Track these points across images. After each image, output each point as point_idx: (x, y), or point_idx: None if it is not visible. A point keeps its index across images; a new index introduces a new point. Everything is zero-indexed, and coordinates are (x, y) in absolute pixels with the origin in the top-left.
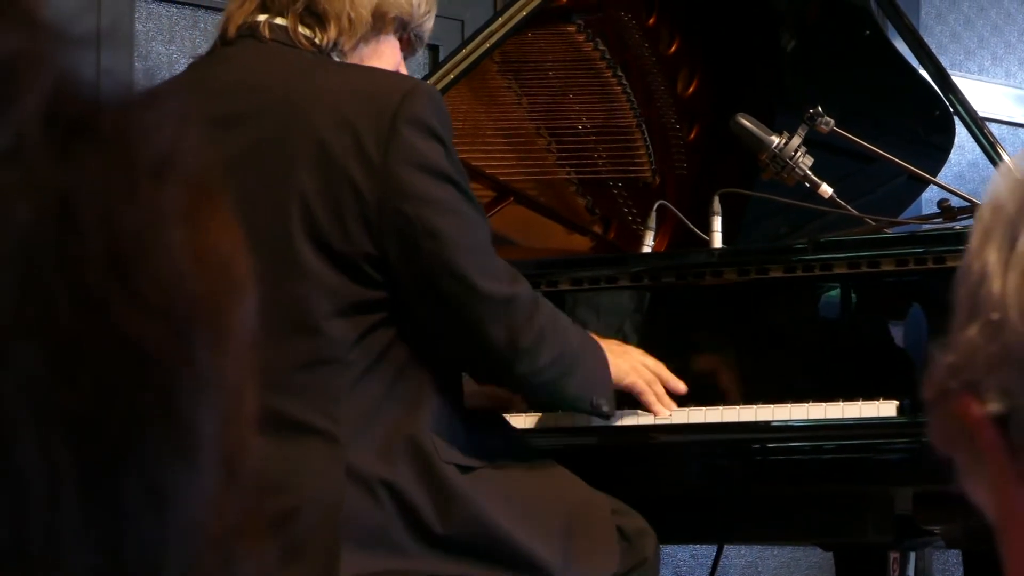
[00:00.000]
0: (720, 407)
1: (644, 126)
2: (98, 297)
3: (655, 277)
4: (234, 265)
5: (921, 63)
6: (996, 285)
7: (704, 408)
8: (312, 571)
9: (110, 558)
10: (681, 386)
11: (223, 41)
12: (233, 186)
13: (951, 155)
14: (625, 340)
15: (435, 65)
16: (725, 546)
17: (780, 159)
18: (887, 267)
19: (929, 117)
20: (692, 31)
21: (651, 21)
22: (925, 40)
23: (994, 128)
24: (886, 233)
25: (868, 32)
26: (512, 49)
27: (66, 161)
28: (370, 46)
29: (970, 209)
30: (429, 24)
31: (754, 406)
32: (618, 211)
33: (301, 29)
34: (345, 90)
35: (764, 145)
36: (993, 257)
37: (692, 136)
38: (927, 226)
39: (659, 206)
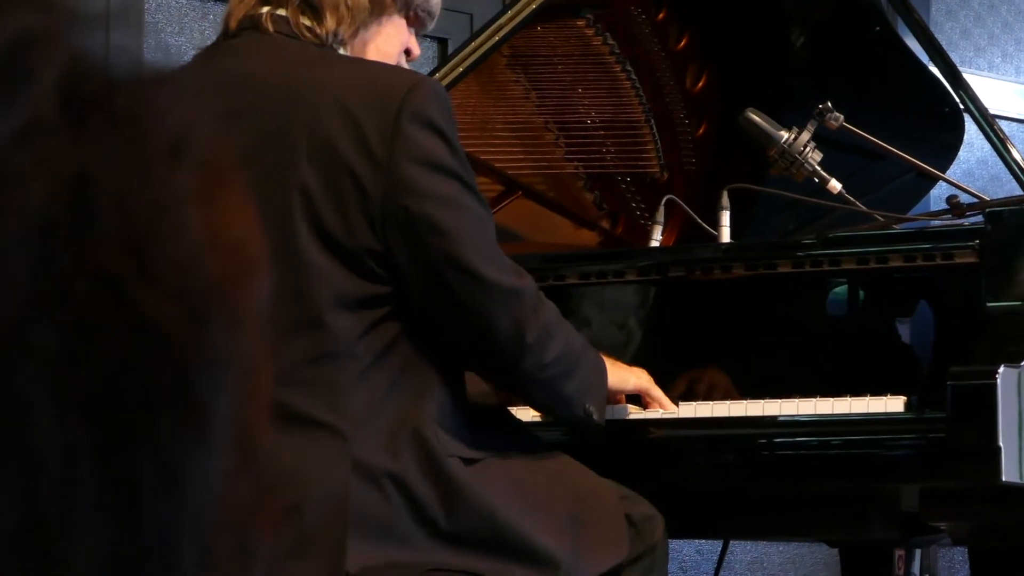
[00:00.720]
0: (727, 402)
1: (653, 121)
2: (113, 277)
3: (663, 272)
4: (249, 245)
5: (931, 59)
6: None
7: (711, 403)
8: (319, 564)
9: (126, 537)
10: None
11: (226, 34)
12: None
13: (960, 152)
14: (632, 335)
15: (443, 59)
16: (731, 541)
17: (789, 155)
18: (896, 263)
19: (939, 113)
20: (701, 26)
21: (661, 16)
22: (935, 36)
23: (1004, 125)
24: (895, 229)
25: (878, 28)
26: (521, 43)
27: (81, 141)
28: (371, 30)
29: (979, 206)
30: None
31: (761, 401)
32: (626, 206)
33: (302, 19)
34: (349, 85)
35: (773, 141)
36: None
37: (701, 131)
38: (936, 222)
39: (667, 201)
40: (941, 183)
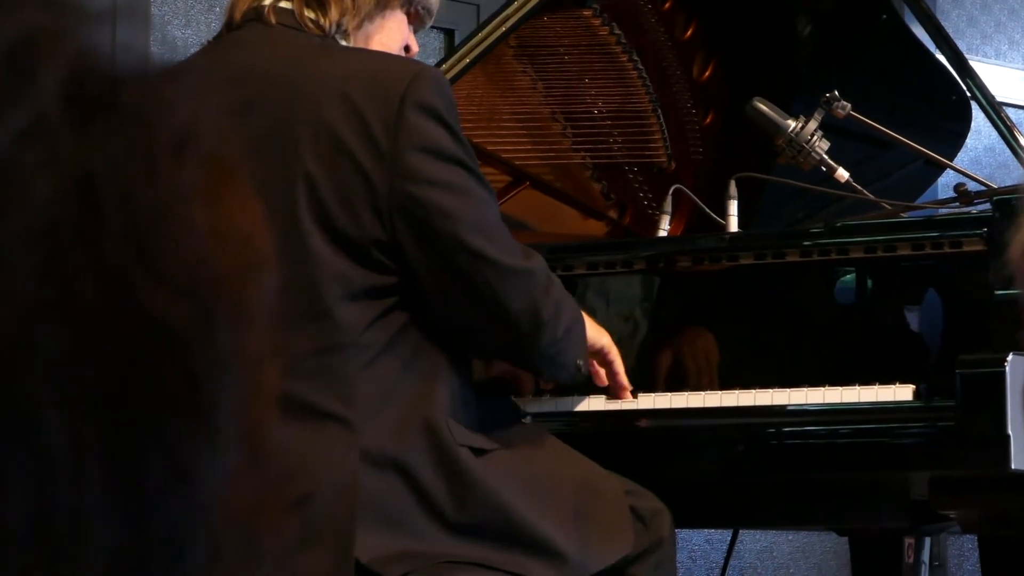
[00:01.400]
0: (736, 391)
1: (660, 111)
2: (120, 274)
3: (670, 262)
4: (254, 241)
5: (938, 47)
6: None
7: (720, 392)
8: (328, 554)
9: (134, 534)
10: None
11: (229, 26)
12: None
13: (968, 139)
14: (640, 325)
15: (450, 49)
16: (740, 531)
17: (796, 143)
18: (903, 251)
19: (946, 101)
20: (708, 15)
21: (667, 6)
22: (942, 24)
23: (1011, 112)
24: (902, 217)
25: (885, 16)
26: (528, 33)
27: (87, 138)
28: (375, 23)
29: (987, 194)
30: None
31: (770, 390)
32: (634, 196)
33: (306, 12)
34: (351, 75)
35: (780, 129)
36: None
37: (708, 121)
38: (944, 210)
39: (675, 191)
40: (948, 171)
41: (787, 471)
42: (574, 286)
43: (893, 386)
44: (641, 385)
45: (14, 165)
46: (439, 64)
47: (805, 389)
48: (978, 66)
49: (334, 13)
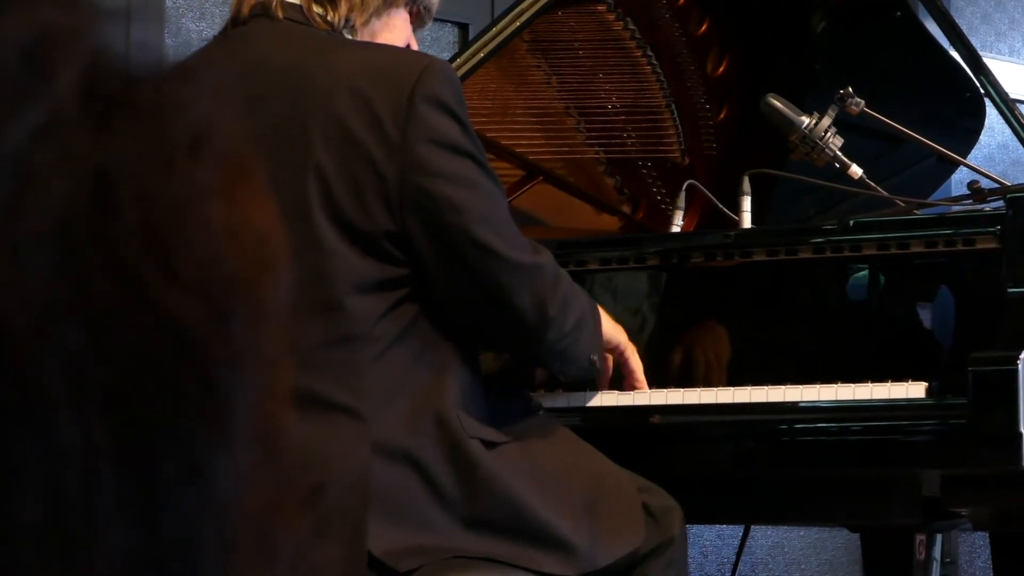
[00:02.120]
0: (748, 387)
1: (673, 106)
2: (135, 273)
3: (684, 257)
4: (269, 240)
5: (952, 44)
6: None
7: (732, 388)
8: (340, 547)
9: (148, 534)
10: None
11: (235, 21)
12: None
13: (981, 137)
14: (652, 320)
15: (464, 44)
16: (752, 526)
17: (810, 140)
18: (916, 248)
19: (959, 98)
20: (722, 11)
21: (681, 1)
22: (956, 21)
23: None
24: (916, 214)
25: (899, 13)
26: (542, 28)
27: (103, 136)
28: (382, 20)
29: (1000, 191)
30: None
31: (782, 387)
32: (647, 191)
33: (315, 7)
34: (361, 68)
35: (794, 126)
36: None
37: (722, 116)
38: (957, 208)
39: (688, 186)
40: (962, 168)
41: (799, 467)
42: (586, 281)
43: (905, 383)
44: (654, 381)
45: (30, 163)
46: (453, 58)
47: (817, 386)
48: (992, 63)
49: (343, 8)
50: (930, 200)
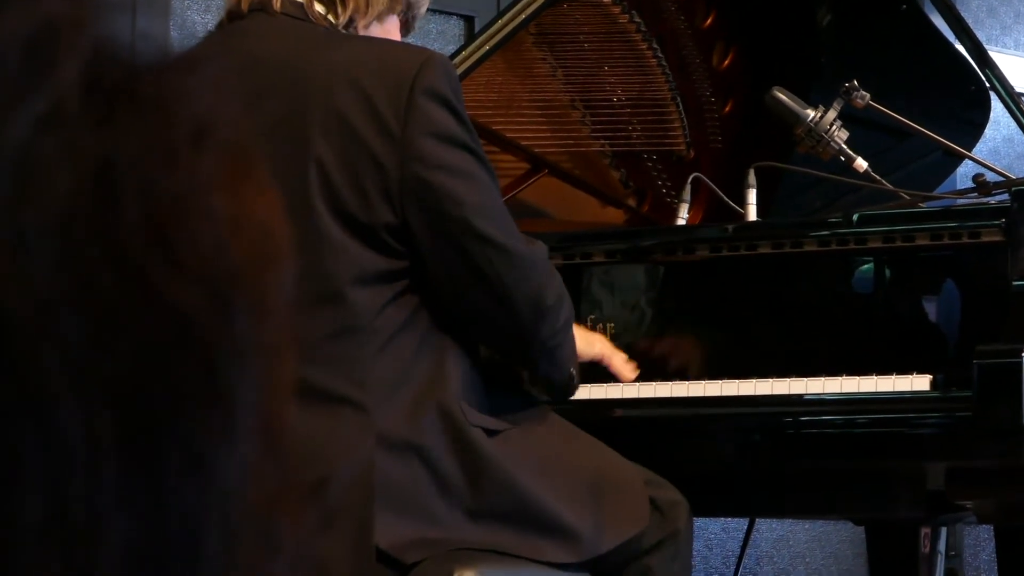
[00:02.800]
0: (753, 380)
1: (679, 99)
2: (138, 265)
3: (689, 250)
4: (272, 232)
5: (957, 37)
6: None
7: (737, 381)
8: (345, 540)
9: (150, 526)
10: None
11: (231, 15)
12: None
13: (987, 130)
14: (657, 313)
15: (470, 36)
16: (757, 519)
17: (815, 133)
18: (922, 241)
19: (965, 92)
20: (728, 4)
21: None
22: (961, 14)
23: None
24: (921, 208)
25: (904, 6)
26: (547, 21)
27: (106, 128)
28: (381, 25)
29: (1005, 184)
30: (424, 7)
31: (787, 379)
32: (652, 184)
33: (317, 6)
34: (361, 62)
35: (799, 119)
36: None
37: (727, 109)
38: (962, 201)
39: (694, 179)
40: (967, 161)
41: (804, 460)
42: (589, 274)
43: (910, 376)
44: (658, 373)
45: (33, 154)
46: (459, 51)
47: (822, 378)
48: (997, 56)
49: (348, 10)
50: (935, 193)
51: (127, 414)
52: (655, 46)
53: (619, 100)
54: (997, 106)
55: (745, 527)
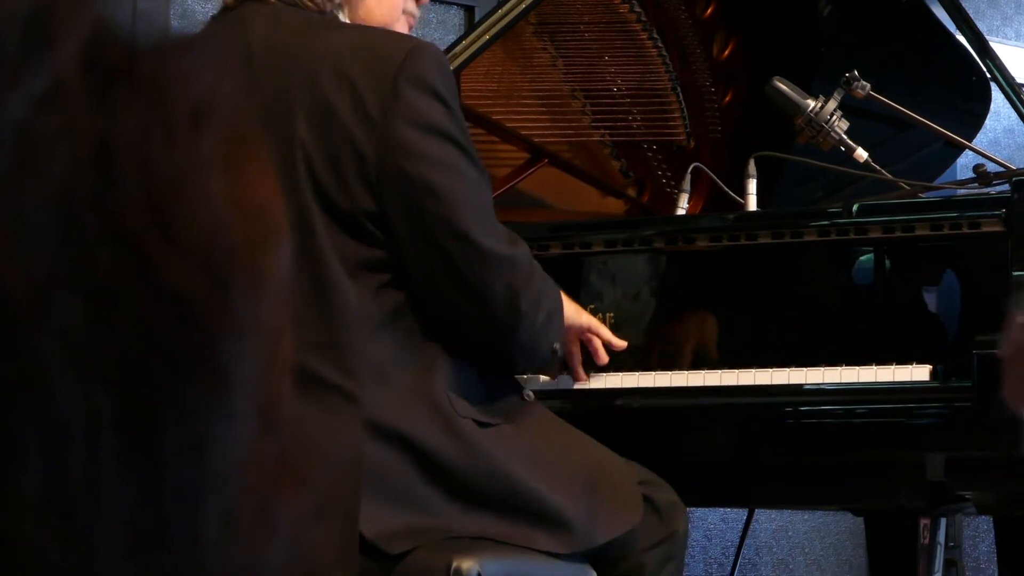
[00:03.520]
0: (752, 370)
1: (679, 89)
2: (136, 244)
3: (689, 240)
4: (270, 212)
5: (958, 28)
6: None
7: (736, 371)
8: (332, 529)
9: (149, 504)
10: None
11: (227, 7)
12: None
13: (987, 121)
14: (656, 303)
15: (470, 26)
16: (756, 510)
17: (816, 123)
18: (922, 232)
19: (966, 82)
20: None
21: None
22: (962, 5)
23: None
24: (921, 198)
25: None
26: (548, 11)
27: (104, 107)
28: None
29: (1005, 175)
30: None
31: (786, 369)
32: (652, 174)
33: None
34: (348, 49)
35: (800, 109)
36: None
37: (727, 99)
38: (962, 191)
39: (694, 169)
40: (967, 152)
41: (803, 451)
42: (589, 264)
43: (910, 366)
44: (657, 363)
45: (32, 132)
46: (459, 40)
47: (822, 368)
48: (998, 47)
49: None
50: (936, 184)
51: (125, 392)
52: (655, 36)
53: (619, 90)
54: (998, 97)
55: (744, 517)
